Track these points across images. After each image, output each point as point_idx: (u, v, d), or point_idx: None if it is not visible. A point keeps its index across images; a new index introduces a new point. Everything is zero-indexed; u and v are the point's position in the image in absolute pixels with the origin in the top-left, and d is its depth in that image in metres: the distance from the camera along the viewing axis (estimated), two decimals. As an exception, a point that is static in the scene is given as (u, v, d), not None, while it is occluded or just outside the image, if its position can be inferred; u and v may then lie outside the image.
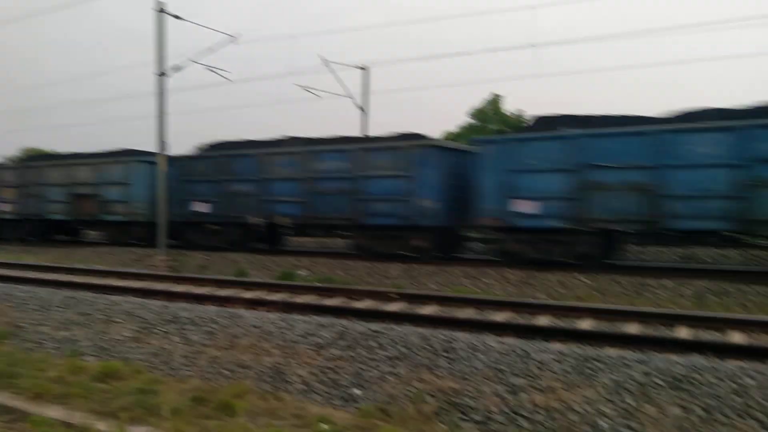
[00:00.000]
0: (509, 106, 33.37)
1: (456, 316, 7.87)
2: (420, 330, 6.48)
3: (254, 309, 8.09)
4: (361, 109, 23.71)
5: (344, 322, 6.99)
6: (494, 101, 33.75)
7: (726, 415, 4.46)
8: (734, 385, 4.72)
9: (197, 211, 17.68)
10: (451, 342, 5.94)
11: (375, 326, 6.58)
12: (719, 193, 10.98)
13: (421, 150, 14.20)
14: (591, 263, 12.17)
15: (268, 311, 7.91)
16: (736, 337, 6.71)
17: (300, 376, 5.90)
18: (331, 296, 9.68)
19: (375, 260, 14.00)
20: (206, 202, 17.54)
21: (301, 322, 7.01)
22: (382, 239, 14.77)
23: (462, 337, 6.16)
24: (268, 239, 17.65)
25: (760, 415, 4.41)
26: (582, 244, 12.35)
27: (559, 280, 11.39)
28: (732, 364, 5.15)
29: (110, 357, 6.43)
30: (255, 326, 7.03)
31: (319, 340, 6.40)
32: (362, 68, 23.84)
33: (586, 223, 12.18)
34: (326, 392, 5.62)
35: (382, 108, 61.12)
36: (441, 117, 60.67)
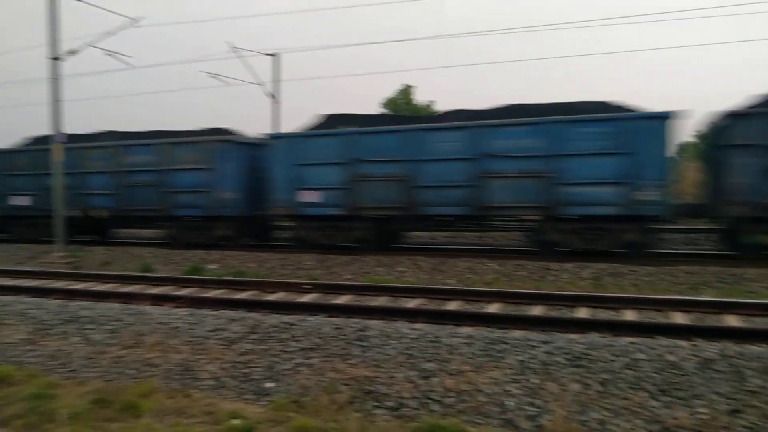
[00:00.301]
0: (421, 97, 33.92)
1: (369, 304, 7.93)
2: (334, 320, 6.49)
3: (161, 305, 7.79)
4: (272, 96, 23.30)
5: (256, 315, 6.88)
6: (406, 91, 34.17)
7: (620, 388, 4.77)
8: (627, 360, 5.05)
9: (16, 205, 18.37)
10: (364, 330, 5.99)
11: (288, 318, 6.52)
12: (458, 182, 12.77)
13: (221, 144, 15.27)
14: (369, 247, 13.63)
15: (175, 307, 7.65)
16: (629, 315, 7.18)
17: (210, 372, 5.75)
18: (242, 290, 9.48)
19: (288, 251, 13.88)
20: (26, 195, 18.23)
21: (211, 317, 6.83)
22: (191, 230, 15.79)
23: (375, 325, 6.22)
24: (93, 231, 18.36)
25: (649, 386, 4.75)
26: (357, 230, 13.90)
27: (468, 266, 11.71)
28: (625, 341, 5.49)
29: (0, 362, 6.00)
30: (162, 323, 6.78)
31: (230, 335, 6.26)
32: (272, 55, 23.40)
33: (358, 210, 13.73)
34: (238, 387, 5.52)
35: (300, 96, 60.34)
36: (357, 105, 60.85)
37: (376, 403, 5.04)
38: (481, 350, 5.47)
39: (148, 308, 7.48)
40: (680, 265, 10.79)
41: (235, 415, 4.67)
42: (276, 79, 23.45)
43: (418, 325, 6.37)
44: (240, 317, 6.68)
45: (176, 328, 6.64)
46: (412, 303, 8.15)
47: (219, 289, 9.69)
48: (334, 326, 6.12)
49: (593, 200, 11.74)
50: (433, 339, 5.74)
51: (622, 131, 11.40)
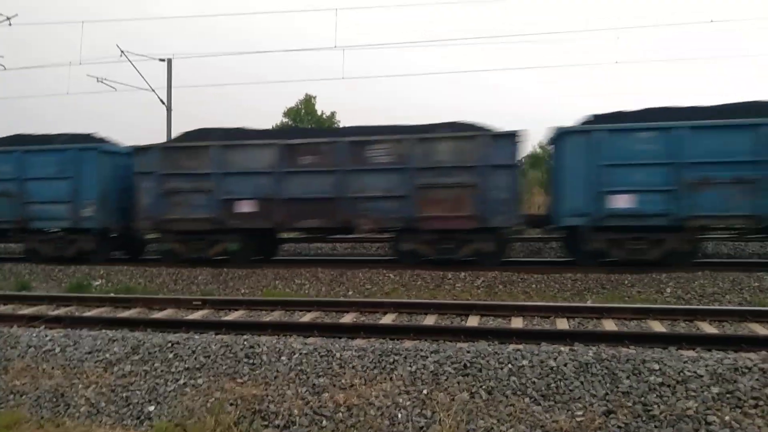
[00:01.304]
0: (323, 107, 33.89)
1: (261, 320, 7.71)
2: (222, 337, 6.25)
3: (32, 326, 7.19)
4: (163, 103, 22.40)
5: (139, 334, 6.49)
6: (308, 101, 34.01)
7: (505, 395, 4.91)
8: (512, 367, 5.20)
9: None
10: (254, 347, 5.80)
11: (173, 337, 6.20)
12: (61, 199, 14.00)
13: (82, 152, 14.19)
14: (239, 258, 13.31)
15: (49, 328, 7.08)
16: (517, 323, 7.44)
17: (86, 397, 5.37)
18: (126, 307, 8.94)
19: (181, 266, 13.28)
20: None
21: (89, 337, 6.36)
22: (50, 242, 14.67)
23: (266, 341, 6.04)
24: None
25: (532, 392, 4.91)
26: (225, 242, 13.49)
27: (368, 276, 11.73)
28: (511, 348, 5.66)
29: None
30: (32, 346, 6.25)
31: (109, 357, 5.87)
32: (165, 60, 22.52)
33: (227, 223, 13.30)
34: (116, 412, 5.19)
35: (196, 104, 58.26)
36: (257, 115, 59.68)
37: (264, 422, 4.90)
38: (373, 363, 5.45)
39: (18, 330, 6.87)
40: (566, 272, 11.34)
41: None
42: (169, 86, 22.58)
43: (311, 340, 6.27)
44: (121, 337, 6.27)
45: (49, 351, 6.14)
46: (306, 317, 8.03)
47: (101, 307, 9.09)
48: (223, 344, 5.88)
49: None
50: (325, 353, 5.65)
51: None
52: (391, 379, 5.23)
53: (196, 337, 6.28)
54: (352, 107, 53.75)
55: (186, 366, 5.62)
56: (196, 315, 8.33)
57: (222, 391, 5.23)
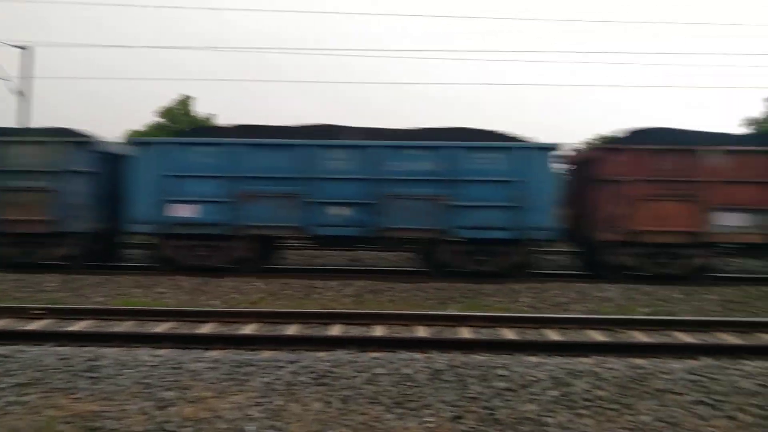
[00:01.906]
0: (202, 108, 32.54)
1: (106, 330, 7.20)
2: (61, 350, 5.75)
3: None
4: (21, 93, 20.51)
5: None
6: (184, 102, 32.58)
7: (359, 404, 4.91)
8: (368, 375, 5.24)
9: None
10: (96, 360, 5.39)
11: (2, 350, 5.61)
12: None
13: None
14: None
15: None
16: (378, 330, 7.54)
17: None
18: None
19: (23, 271, 12.13)
20: None
21: None
22: None
23: (111, 353, 5.64)
24: None
25: (386, 400, 4.95)
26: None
27: (234, 285, 11.38)
28: (369, 356, 5.71)
29: None
30: None
31: None
32: (22, 48, 20.65)
33: None
34: (-76, 437, 4.57)
35: (68, 97, 53.62)
36: (129, 112, 56.28)
37: (102, 441, 4.54)
38: (226, 374, 5.26)
39: None
40: (432, 281, 11.70)
41: None
42: (27, 75, 20.72)
43: (161, 351, 5.94)
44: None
45: None
46: (160, 327, 7.61)
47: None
48: (61, 357, 5.41)
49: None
50: (175, 365, 5.37)
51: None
52: (244, 390, 5.06)
53: (31, 349, 5.73)
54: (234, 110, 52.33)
55: (15, 382, 5.10)
56: (33, 325, 7.61)
57: (55, 408, 4.79)
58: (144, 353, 5.68)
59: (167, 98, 36.53)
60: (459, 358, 5.67)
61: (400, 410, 4.88)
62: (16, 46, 20.53)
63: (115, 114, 54.28)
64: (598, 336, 7.59)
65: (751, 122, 25.05)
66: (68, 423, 4.64)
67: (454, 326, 7.89)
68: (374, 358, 5.55)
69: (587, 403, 4.93)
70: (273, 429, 4.63)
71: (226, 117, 38.88)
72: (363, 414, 4.81)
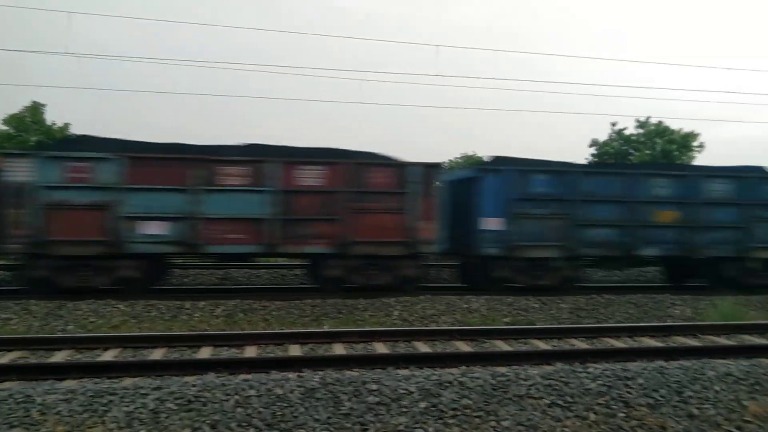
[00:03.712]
0: (55, 117, 30.09)
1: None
2: None
3: None
4: None
5: None
6: (34, 109, 29.96)
7: (230, 428, 4.78)
8: (239, 398, 5.11)
9: None
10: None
11: None
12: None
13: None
14: None
15: None
16: (250, 351, 7.38)
17: None
18: None
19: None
20: None
21: None
22: None
23: (-55, 390, 5.04)
24: None
25: (258, 422, 4.86)
26: None
27: (93, 308, 10.61)
28: (239, 378, 5.57)
29: None
30: None
31: None
32: None
33: None
34: None
35: None
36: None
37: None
38: (82, 406, 4.89)
39: None
40: (307, 298, 11.64)
41: None
42: None
43: (6, 385, 5.40)
44: None
45: None
46: (4, 358, 6.92)
47: None
48: None
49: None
50: (23, 399, 4.91)
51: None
52: (103, 422, 4.74)
53: None
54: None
55: None
56: None
57: None
58: (-14, 388, 5.14)
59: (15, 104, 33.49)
60: (332, 375, 5.69)
61: (272, 431, 4.81)
62: None
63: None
64: (464, 347, 7.96)
65: (596, 144, 27.60)
66: None
67: (328, 342, 7.90)
68: (245, 380, 5.42)
69: (454, 413, 5.16)
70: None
71: (83, 127, 36.28)
72: (226, 438, 4.69)
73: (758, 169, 14.60)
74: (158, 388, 5.19)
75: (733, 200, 13.92)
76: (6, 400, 4.85)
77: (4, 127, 28.59)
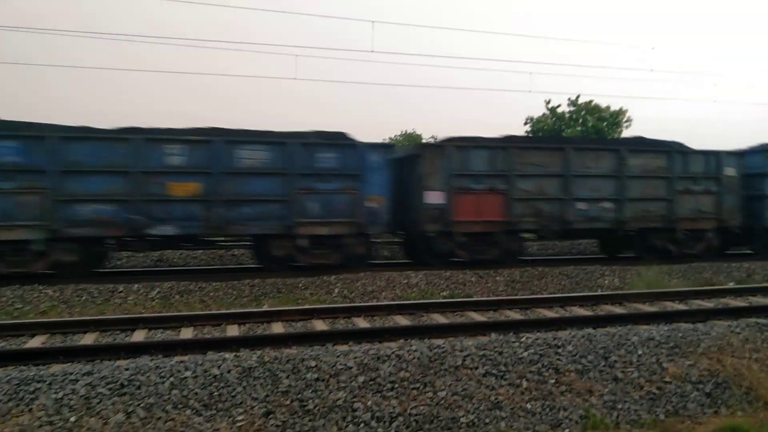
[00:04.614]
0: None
1: None
2: None
3: None
4: None
5: None
6: None
7: (165, 410, 4.71)
8: (174, 380, 5.03)
9: None
10: None
11: None
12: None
13: None
14: None
15: None
16: (186, 333, 7.25)
17: None
18: None
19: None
20: None
21: None
22: None
23: None
24: None
25: (194, 404, 4.82)
26: None
27: (18, 294, 10.15)
28: (175, 360, 5.48)
29: None
30: None
31: None
32: None
33: None
34: None
35: None
36: None
37: None
38: (7, 395, 4.71)
39: None
40: (245, 278, 11.49)
41: None
42: None
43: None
44: None
45: None
46: None
47: None
48: None
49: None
50: (-58, 390, 4.69)
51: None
52: (31, 410, 4.58)
53: None
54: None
55: None
56: None
57: None
58: None
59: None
60: (270, 353, 5.68)
61: (209, 412, 4.78)
62: None
63: None
64: (403, 320, 8.08)
65: (530, 120, 28.31)
66: None
67: (267, 322, 7.86)
68: (180, 362, 5.34)
69: (392, 385, 5.25)
70: (66, 448, 4.28)
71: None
72: (170, 420, 4.64)
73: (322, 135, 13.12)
74: (89, 374, 5.05)
75: (275, 170, 12.16)
76: None
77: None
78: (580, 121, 27.26)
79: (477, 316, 8.37)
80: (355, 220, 12.54)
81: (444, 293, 10.95)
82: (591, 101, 27.47)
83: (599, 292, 10.45)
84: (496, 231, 13.47)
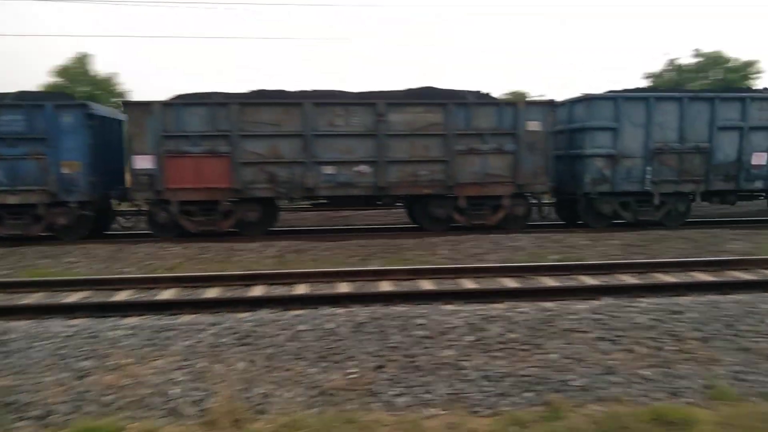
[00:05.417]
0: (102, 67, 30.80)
1: (14, 303, 6.88)
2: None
3: None
4: None
5: None
6: (82, 60, 30.65)
7: (283, 361, 5.00)
8: (291, 332, 5.32)
9: None
10: (3, 335, 5.17)
11: None
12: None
13: None
14: None
15: None
16: (300, 289, 7.60)
17: None
18: None
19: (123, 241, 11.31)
20: None
21: None
22: None
23: (21, 326, 5.43)
24: None
25: (310, 355, 5.07)
26: None
27: (150, 252, 11.07)
28: (292, 314, 5.78)
29: None
30: None
31: None
32: None
33: None
34: None
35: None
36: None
37: (17, 415, 4.40)
38: (145, 340, 5.19)
39: None
40: (354, 239, 11.81)
41: None
42: None
43: (75, 322, 5.76)
44: None
45: None
46: (73, 297, 7.35)
47: None
48: (-35, 333, 5.16)
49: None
50: (91, 334, 5.25)
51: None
52: (165, 355, 5.03)
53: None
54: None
55: None
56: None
57: (-37, 386, 4.59)
58: (57, 324, 5.50)
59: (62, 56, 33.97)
60: (380, 310, 5.84)
61: (324, 364, 5.01)
62: None
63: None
64: (509, 282, 8.00)
65: (650, 76, 26.49)
66: (-22, 399, 4.47)
67: (376, 280, 8.06)
68: (296, 316, 5.62)
69: (501, 345, 5.24)
70: (198, 391, 4.66)
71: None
72: (287, 370, 4.91)
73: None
74: (215, 324, 5.44)
75: None
76: (76, 337, 5.18)
77: (57, 79, 29.40)
78: (702, 74, 25.14)
79: (589, 280, 8.11)
80: (47, 188, 11.97)
81: (554, 256, 10.68)
82: (717, 51, 25.22)
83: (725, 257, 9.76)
84: (220, 199, 12.27)
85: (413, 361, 5.02)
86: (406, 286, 7.77)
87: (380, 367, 4.97)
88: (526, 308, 5.94)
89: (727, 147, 13.30)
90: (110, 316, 6.20)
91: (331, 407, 4.29)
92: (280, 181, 12.32)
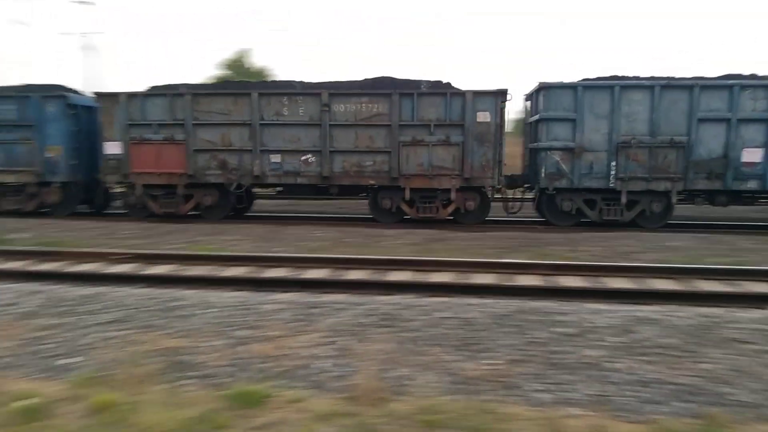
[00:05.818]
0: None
1: (184, 274, 7.67)
2: (147, 291, 6.21)
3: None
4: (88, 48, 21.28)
5: (57, 287, 6.36)
6: (242, 55, 33.56)
7: (419, 344, 5.11)
8: (430, 318, 5.43)
9: None
10: (177, 301, 5.80)
11: (91, 290, 6.11)
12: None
13: None
14: None
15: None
16: (446, 277, 7.68)
17: (4, 348, 5.25)
18: (49, 260, 8.68)
19: (109, 219, 13.03)
20: None
21: (8, 291, 6.18)
22: None
23: (192, 295, 6.05)
24: None
25: (446, 342, 5.14)
26: None
27: (299, 233, 11.78)
28: (432, 300, 5.88)
29: None
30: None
31: (25, 309, 5.74)
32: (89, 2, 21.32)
33: None
34: (32, 365, 5.09)
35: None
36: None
37: (183, 374, 4.92)
38: (296, 315, 5.56)
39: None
40: (494, 231, 11.71)
41: (26, 395, 4.31)
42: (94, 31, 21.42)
43: (234, 293, 6.31)
44: (38, 290, 6.13)
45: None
46: (234, 271, 8.03)
47: (19, 261, 8.79)
48: (146, 297, 5.85)
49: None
50: (249, 306, 5.72)
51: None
52: (313, 330, 5.34)
53: (119, 289, 6.22)
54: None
55: (107, 319, 5.57)
56: (120, 268, 8.19)
57: (142, 343, 5.21)
58: (219, 295, 6.05)
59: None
60: (520, 304, 5.76)
61: (460, 353, 5.04)
62: (81, 2, 21.22)
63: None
64: (660, 284, 7.49)
65: None
66: (154, 357, 5.05)
67: (516, 273, 7.94)
68: (437, 302, 5.71)
69: (651, 350, 4.95)
70: (342, 367, 4.90)
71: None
72: (423, 355, 5.00)
73: None
74: (359, 304, 5.69)
75: None
76: (238, 307, 5.68)
77: (225, 72, 32.18)
78: None
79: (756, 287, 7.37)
80: (34, 169, 13.74)
81: (714, 259, 9.81)
82: None
83: None
84: (178, 183, 13.00)
85: (555, 359, 4.90)
86: (548, 281, 7.57)
87: (516, 361, 4.91)
88: (681, 312, 5.55)
89: (710, 141, 11.70)
90: (264, 291, 6.69)
91: (469, 395, 4.32)
92: (230, 168, 13.16)
